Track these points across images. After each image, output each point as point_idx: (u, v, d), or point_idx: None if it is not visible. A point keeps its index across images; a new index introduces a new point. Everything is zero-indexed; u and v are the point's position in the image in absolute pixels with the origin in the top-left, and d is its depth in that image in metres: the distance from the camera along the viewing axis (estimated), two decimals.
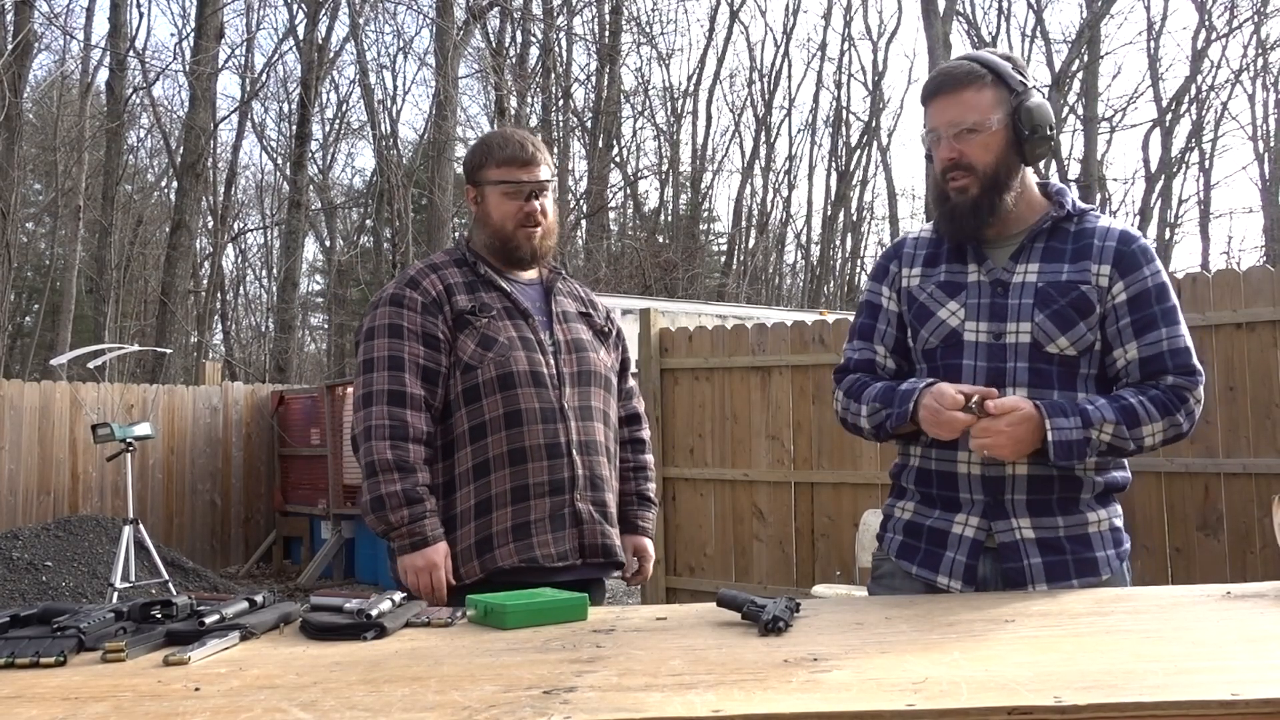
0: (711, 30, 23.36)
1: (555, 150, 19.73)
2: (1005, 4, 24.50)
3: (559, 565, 2.13)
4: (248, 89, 18.95)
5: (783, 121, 24.96)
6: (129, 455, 6.41)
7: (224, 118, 17.44)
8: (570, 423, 2.17)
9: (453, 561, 2.11)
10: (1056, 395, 1.81)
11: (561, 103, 20.83)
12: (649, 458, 2.47)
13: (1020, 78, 1.85)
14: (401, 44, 25.45)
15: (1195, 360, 1.83)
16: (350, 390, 2.23)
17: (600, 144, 20.30)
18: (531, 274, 2.31)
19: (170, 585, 6.37)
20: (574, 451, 2.16)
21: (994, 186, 1.84)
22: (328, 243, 23.91)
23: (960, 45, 19.59)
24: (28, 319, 21.39)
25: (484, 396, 2.14)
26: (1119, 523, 1.89)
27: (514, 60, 18.61)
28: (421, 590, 2.04)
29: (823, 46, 25.15)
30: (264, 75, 19.47)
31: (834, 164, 24.01)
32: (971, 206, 1.85)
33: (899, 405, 1.85)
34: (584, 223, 19.85)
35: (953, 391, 1.76)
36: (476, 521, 2.12)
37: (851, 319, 2.12)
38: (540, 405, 2.14)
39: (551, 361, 2.19)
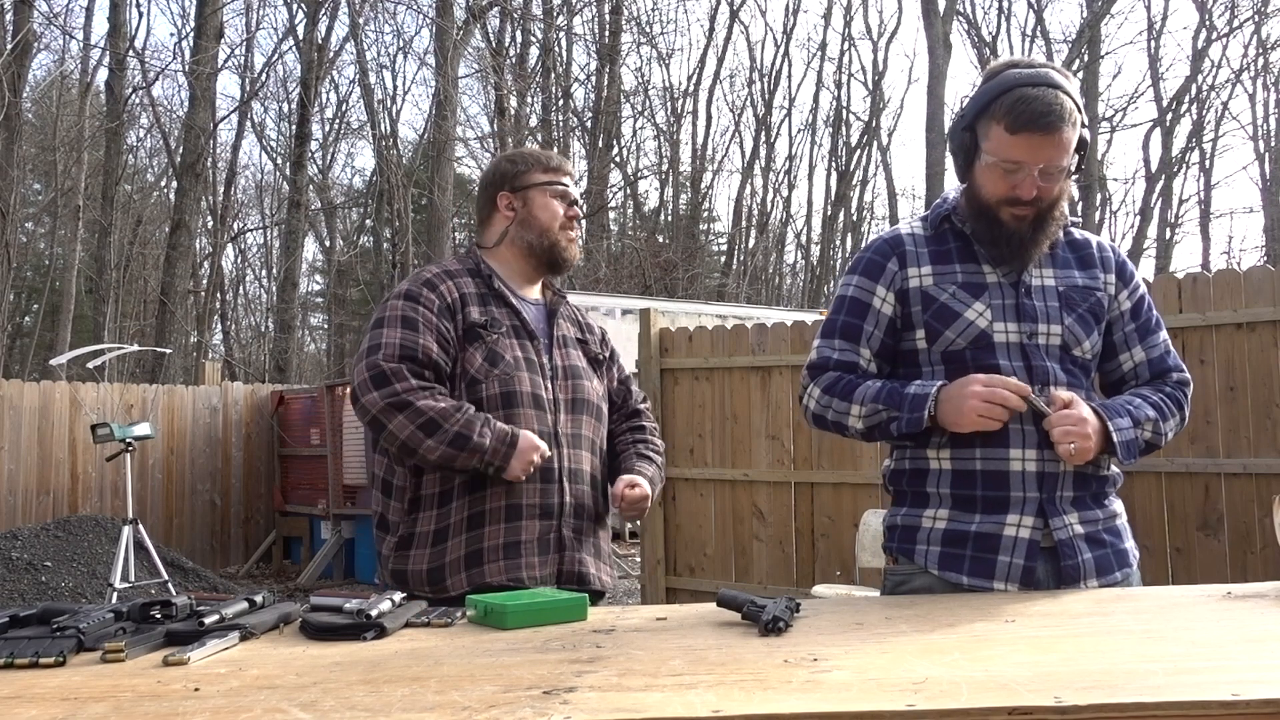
0: (711, 30, 23.39)
1: (555, 150, 19.74)
2: (1005, 4, 24.53)
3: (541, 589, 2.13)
4: (247, 89, 18.99)
5: (783, 121, 24.93)
6: (128, 455, 6.41)
7: (224, 117, 17.47)
8: (563, 449, 2.16)
9: (442, 572, 2.11)
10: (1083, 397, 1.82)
11: (561, 103, 20.85)
12: (658, 442, 2.41)
13: (1081, 102, 1.80)
14: (401, 44, 25.50)
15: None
16: (349, 391, 2.17)
17: (600, 144, 20.32)
18: (536, 295, 2.31)
19: (170, 585, 6.37)
20: (564, 478, 2.16)
21: (1051, 215, 1.82)
22: (327, 243, 23.94)
23: (960, 45, 19.59)
24: (27, 319, 21.40)
25: (485, 412, 2.12)
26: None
27: (514, 60, 18.64)
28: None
29: (823, 46, 25.14)
30: (264, 75, 19.52)
31: (834, 164, 24.04)
32: (1030, 235, 1.81)
33: (910, 410, 1.77)
34: (584, 223, 19.84)
35: (1014, 381, 1.72)
36: (468, 534, 2.11)
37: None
38: (539, 429, 2.13)
39: (550, 385, 2.19)
